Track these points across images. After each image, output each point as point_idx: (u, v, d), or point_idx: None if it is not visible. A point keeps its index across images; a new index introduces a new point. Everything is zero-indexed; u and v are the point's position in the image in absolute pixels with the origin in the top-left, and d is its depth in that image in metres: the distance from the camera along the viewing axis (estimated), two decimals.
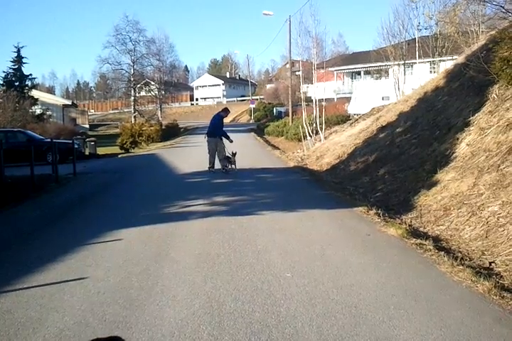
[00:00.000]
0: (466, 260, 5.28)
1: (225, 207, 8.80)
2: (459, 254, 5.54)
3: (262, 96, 68.72)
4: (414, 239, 6.06)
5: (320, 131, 20.94)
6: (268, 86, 72.55)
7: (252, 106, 57.64)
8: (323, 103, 22.23)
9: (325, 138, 20.60)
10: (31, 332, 3.66)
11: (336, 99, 40.62)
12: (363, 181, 11.14)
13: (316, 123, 21.64)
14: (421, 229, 6.95)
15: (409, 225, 7.03)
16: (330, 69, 36.85)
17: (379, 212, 7.64)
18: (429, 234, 6.62)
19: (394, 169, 10.55)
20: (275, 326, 3.64)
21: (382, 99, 28.58)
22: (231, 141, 14.33)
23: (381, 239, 6.32)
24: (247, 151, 22.38)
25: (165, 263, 5.38)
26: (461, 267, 4.93)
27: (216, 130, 14.20)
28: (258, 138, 32.12)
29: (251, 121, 55.12)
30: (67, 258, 5.69)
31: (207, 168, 14.09)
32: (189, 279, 4.78)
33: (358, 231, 6.80)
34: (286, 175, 13.84)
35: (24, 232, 7.27)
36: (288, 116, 34.32)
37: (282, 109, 47.98)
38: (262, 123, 45.71)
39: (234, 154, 13.93)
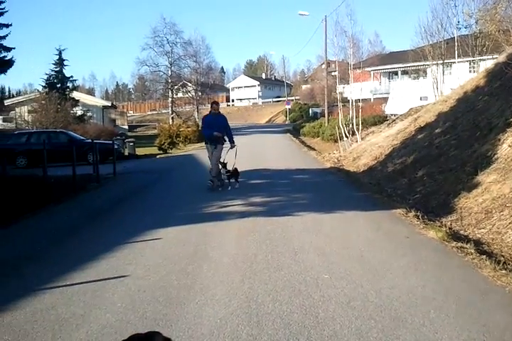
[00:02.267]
0: (509, 264, 5.14)
1: (262, 208, 8.82)
2: (502, 258, 5.40)
3: (297, 97, 68.54)
4: (455, 242, 5.95)
5: (356, 132, 20.75)
6: (304, 86, 72.32)
7: (288, 106, 57.55)
8: (360, 103, 22.00)
9: (361, 139, 20.40)
10: (75, 328, 3.77)
11: (372, 100, 40.13)
12: (400, 183, 10.98)
13: (352, 124, 21.45)
14: (461, 232, 6.81)
15: (450, 228, 6.90)
16: (366, 69, 36.36)
17: (418, 214, 7.52)
18: (470, 237, 6.48)
19: (433, 170, 10.35)
20: (313, 327, 3.64)
21: (420, 99, 28.10)
22: (233, 146, 11.52)
23: (420, 241, 6.22)
24: (282, 152, 22.40)
25: (203, 263, 5.44)
26: (504, 271, 4.81)
27: (229, 133, 11.52)
28: (294, 138, 32.05)
29: (286, 122, 55.02)
30: (108, 256, 5.83)
31: (211, 183, 11.21)
32: (227, 279, 4.82)
33: (396, 233, 6.72)
34: (323, 176, 13.77)
35: (66, 231, 7.47)
36: (324, 116, 34.11)
37: (318, 110, 47.75)
38: (297, 124, 45.56)
39: (234, 170, 11.41)
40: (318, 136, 29.67)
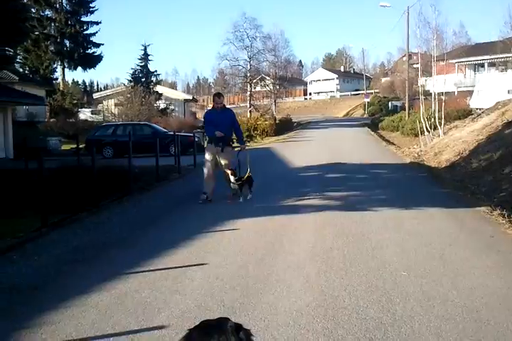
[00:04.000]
0: None
1: (339, 202, 8.75)
2: None
3: (376, 90, 66.90)
4: None
5: (439, 126, 19.95)
6: (383, 79, 70.42)
7: (367, 100, 56.33)
8: (443, 97, 21.10)
9: (444, 133, 19.60)
10: (156, 311, 3.94)
11: (456, 93, 38.35)
12: (485, 180, 10.47)
13: (434, 118, 20.64)
14: None
15: None
16: (450, 61, 34.82)
17: (504, 212, 7.15)
18: None
19: None
20: (391, 324, 3.58)
21: (508, 92, 26.54)
22: (243, 148, 9.77)
23: (506, 241, 5.93)
24: (360, 146, 22.03)
25: (279, 255, 5.50)
26: None
27: (237, 132, 9.74)
28: (372, 133, 31.41)
29: (365, 116, 53.92)
30: (188, 244, 6.03)
31: (204, 197, 9.00)
32: (303, 271, 4.85)
33: (480, 232, 6.44)
34: (402, 171, 13.41)
35: (149, 218, 7.79)
36: (404, 110, 33.08)
37: (398, 103, 46.36)
38: (376, 117, 44.53)
39: (248, 177, 9.20)
40: (397, 130, 28.85)
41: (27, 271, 5.13)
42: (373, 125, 37.66)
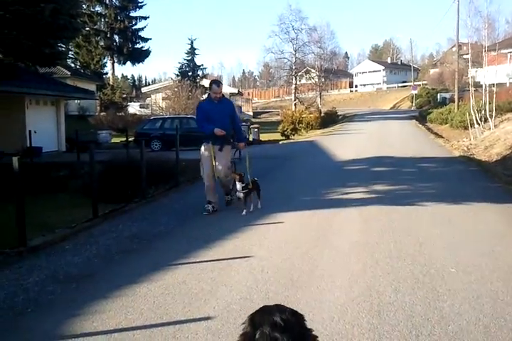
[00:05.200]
0: None
1: (385, 196, 8.64)
2: None
3: (424, 82, 65.20)
4: None
5: (489, 119, 19.29)
6: (432, 71, 68.54)
7: (414, 92, 54.99)
8: (494, 88, 20.38)
9: (495, 126, 18.93)
10: (203, 302, 4.01)
11: (508, 84, 36.94)
12: None
13: (485, 110, 19.97)
14: None
15: None
16: (502, 51, 33.48)
17: None
18: None
19: None
20: (437, 322, 3.53)
21: None
22: (239, 148, 8.49)
23: None
24: (407, 139, 21.59)
25: (324, 248, 5.49)
26: None
27: (237, 129, 8.17)
28: (420, 125, 30.72)
29: (412, 108, 52.72)
30: (233, 236, 6.10)
31: (209, 208, 7.62)
32: (348, 266, 4.83)
33: None
34: (451, 164, 13.08)
35: (194, 210, 7.88)
36: (453, 102, 32.14)
37: (447, 95, 45.10)
38: (424, 110, 43.47)
39: (254, 182, 7.71)
40: (446, 123, 28.08)
41: (79, 261, 5.32)
42: (421, 117, 36.82)
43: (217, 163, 7.55)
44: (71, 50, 43.51)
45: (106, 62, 46.96)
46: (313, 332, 1.65)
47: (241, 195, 7.39)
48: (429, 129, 27.61)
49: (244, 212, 7.32)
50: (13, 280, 4.69)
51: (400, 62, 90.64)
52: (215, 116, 7.48)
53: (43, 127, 20.86)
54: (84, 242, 6.13)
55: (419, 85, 61.32)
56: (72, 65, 43.73)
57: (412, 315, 3.64)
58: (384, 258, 5.00)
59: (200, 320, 3.66)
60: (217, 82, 7.94)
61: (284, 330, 1.52)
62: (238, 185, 7.36)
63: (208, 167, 7.58)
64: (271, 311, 1.60)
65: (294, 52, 46.22)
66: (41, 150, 19.16)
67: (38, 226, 6.72)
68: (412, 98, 55.92)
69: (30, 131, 18.83)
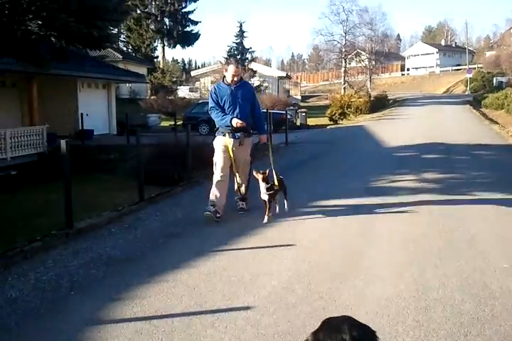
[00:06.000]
0: None
1: (435, 185, 8.34)
2: None
3: (480, 65, 62.60)
4: None
5: None
6: (488, 53, 65.62)
7: (469, 75, 52.85)
8: None
9: None
10: (243, 291, 3.96)
11: None
12: None
13: None
14: None
15: None
16: None
17: None
18: None
19: None
20: (488, 321, 3.33)
21: None
22: (262, 141, 6.85)
23: None
24: (461, 125, 20.83)
25: (369, 239, 5.33)
26: None
27: (257, 116, 6.66)
28: (474, 111, 29.57)
29: (466, 92, 50.81)
30: (276, 223, 6.00)
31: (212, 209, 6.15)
32: (394, 258, 4.66)
33: None
34: (507, 152, 12.51)
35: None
36: (510, 86, 30.71)
37: (503, 79, 43.25)
38: (478, 94, 41.81)
39: (280, 182, 6.43)
40: (502, 108, 26.89)
41: (123, 244, 5.38)
42: (476, 102, 35.44)
43: (236, 158, 6.32)
44: (123, 34, 44.20)
45: (156, 46, 47.49)
46: None
47: (266, 197, 6.11)
48: (483, 115, 26.56)
49: (265, 220, 6.03)
50: (59, 261, 4.79)
51: (454, 45, 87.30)
52: (232, 102, 6.21)
53: (95, 110, 21.33)
54: (129, 225, 6.21)
55: (474, 69, 58.95)
56: (124, 49, 44.47)
57: (461, 312, 3.46)
58: (432, 252, 4.80)
59: (239, 309, 3.61)
60: (235, 61, 6.69)
61: None
62: (263, 187, 6.10)
63: (220, 161, 6.25)
64: (339, 327, 1.45)
65: (344, 35, 45.26)
66: (93, 132, 19.64)
67: (88, 208, 6.89)
68: (467, 82, 53.88)
69: (82, 114, 19.31)
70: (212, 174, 6.37)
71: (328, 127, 25.18)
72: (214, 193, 6.20)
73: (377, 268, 4.37)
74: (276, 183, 6.28)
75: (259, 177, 6.13)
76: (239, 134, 6.24)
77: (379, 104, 35.84)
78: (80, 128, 18.91)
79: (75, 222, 5.85)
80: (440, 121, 23.08)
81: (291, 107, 27.57)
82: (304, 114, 24.68)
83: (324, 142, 16.58)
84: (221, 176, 6.22)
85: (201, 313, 3.55)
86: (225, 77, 6.38)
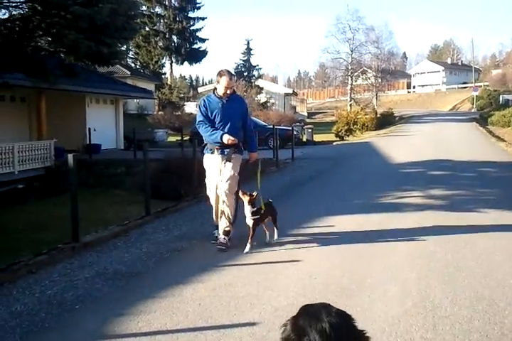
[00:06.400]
0: None
1: (442, 202, 8.30)
2: None
3: (486, 83, 62.80)
4: None
5: None
6: (494, 71, 65.94)
7: (475, 93, 52.96)
8: None
9: None
10: (249, 307, 3.92)
11: None
12: None
13: None
14: None
15: None
16: None
17: None
18: None
19: None
20: (498, 338, 3.28)
21: None
22: (252, 160, 6.17)
23: None
24: (467, 142, 20.80)
25: (376, 255, 5.28)
26: None
27: (248, 132, 6.07)
28: (480, 128, 29.55)
29: (473, 110, 50.86)
30: (281, 239, 5.94)
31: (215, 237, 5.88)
32: (401, 275, 4.61)
33: None
34: None
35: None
36: None
37: (510, 97, 43.35)
38: (485, 112, 41.84)
39: (267, 206, 5.79)
40: (508, 126, 26.89)
41: (129, 258, 5.37)
42: (482, 120, 35.46)
43: (223, 174, 5.64)
44: (131, 50, 44.76)
45: (164, 63, 48.01)
46: (366, 334, 1.52)
47: (251, 222, 5.47)
48: (490, 132, 26.52)
49: (247, 249, 5.37)
50: (64, 275, 4.78)
51: (460, 63, 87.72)
52: (223, 117, 5.68)
53: (103, 125, 21.50)
54: (135, 240, 6.20)
55: (481, 86, 59.13)
56: (133, 65, 44.98)
57: (470, 330, 3.41)
58: (440, 268, 4.75)
59: (245, 325, 3.57)
60: (228, 73, 5.75)
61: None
62: (248, 210, 5.47)
63: (214, 186, 5.76)
64: (317, 314, 1.49)
65: (350, 52, 45.64)
66: (100, 147, 19.77)
67: (95, 221, 6.90)
68: (473, 100, 54.00)
69: (90, 129, 19.46)
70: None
71: (334, 143, 25.21)
72: (216, 218, 5.83)
73: (385, 285, 4.32)
74: (262, 207, 5.61)
75: (246, 199, 5.47)
76: (227, 150, 5.67)
77: (385, 120, 35.89)
78: (88, 142, 19.04)
79: (81, 236, 5.85)
80: (446, 138, 23.06)
81: (298, 123, 27.66)
82: (310, 130, 24.74)
83: (330, 158, 16.58)
84: (216, 201, 5.74)
85: (207, 329, 3.52)
86: (216, 89, 5.82)
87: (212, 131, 5.63)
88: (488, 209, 7.48)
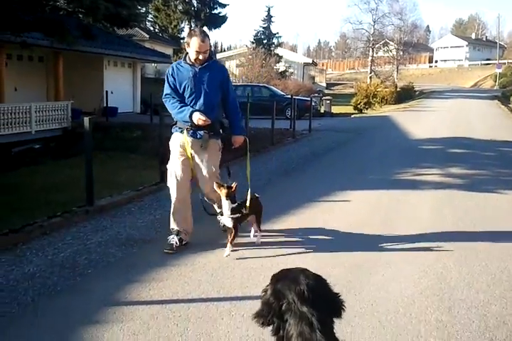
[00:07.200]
0: None
1: (461, 181, 8.15)
2: None
3: (510, 60, 61.16)
4: None
5: None
6: None
7: (498, 70, 51.62)
8: None
9: None
10: (261, 279, 3.81)
11: None
12: None
13: None
14: None
15: None
16: None
17: None
18: None
19: None
20: None
21: None
22: (236, 145, 4.79)
23: None
24: (488, 120, 20.38)
25: (392, 233, 5.17)
26: None
27: (231, 111, 4.69)
28: (502, 106, 28.89)
29: (495, 88, 49.74)
30: (298, 212, 5.92)
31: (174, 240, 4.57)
32: (418, 255, 4.52)
33: None
34: None
35: (262, 182, 7.73)
36: None
37: None
38: (507, 90, 40.85)
39: (253, 201, 4.69)
40: None
41: (142, 224, 5.35)
42: (504, 98, 34.64)
43: (200, 166, 4.54)
44: (150, 13, 44.04)
45: (183, 27, 47.15)
46: (340, 296, 1.63)
47: (228, 221, 4.44)
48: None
49: (227, 252, 4.36)
50: (78, 239, 4.77)
51: (484, 39, 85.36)
52: (195, 89, 4.42)
53: (120, 88, 21.37)
54: (149, 206, 6.18)
55: (505, 64, 57.63)
56: (151, 29, 44.32)
57: (487, 314, 3.34)
58: (457, 250, 4.65)
59: (256, 298, 3.47)
60: (201, 33, 4.40)
61: (314, 303, 1.51)
62: (226, 206, 4.41)
63: (179, 171, 4.51)
64: (295, 278, 1.60)
65: (372, 23, 44.64)
66: (117, 110, 19.70)
67: (109, 185, 6.88)
68: (496, 77, 52.73)
69: (107, 92, 19.34)
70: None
71: (352, 116, 24.85)
72: (174, 218, 4.63)
73: (400, 264, 4.24)
74: (247, 205, 4.53)
75: (223, 192, 4.38)
76: (201, 132, 4.45)
77: (405, 95, 35.26)
78: (105, 105, 18.96)
79: (96, 200, 5.83)
80: (467, 115, 22.61)
81: (316, 94, 27.26)
82: (328, 102, 24.37)
83: (348, 131, 16.35)
84: (176, 196, 4.57)
85: (218, 300, 3.48)
86: (187, 53, 4.49)
87: (181, 107, 4.41)
88: (508, 190, 7.33)
